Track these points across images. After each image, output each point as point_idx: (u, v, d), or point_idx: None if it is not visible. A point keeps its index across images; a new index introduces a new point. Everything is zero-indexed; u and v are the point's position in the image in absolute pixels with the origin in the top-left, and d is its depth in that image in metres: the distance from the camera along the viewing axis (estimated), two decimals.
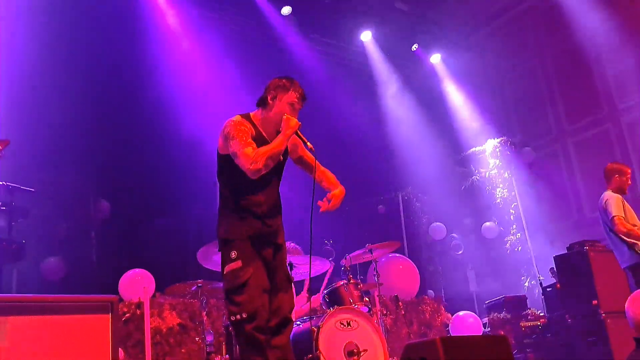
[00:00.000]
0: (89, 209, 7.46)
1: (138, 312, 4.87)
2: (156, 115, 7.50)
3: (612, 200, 5.24)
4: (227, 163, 3.20)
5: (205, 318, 4.77)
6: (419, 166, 10.85)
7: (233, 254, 3.10)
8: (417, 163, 10.83)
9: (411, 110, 11.25)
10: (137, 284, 5.45)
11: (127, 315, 4.85)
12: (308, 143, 3.26)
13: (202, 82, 8.03)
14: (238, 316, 3.00)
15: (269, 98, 3.28)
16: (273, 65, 8.39)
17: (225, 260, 3.13)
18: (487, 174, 11.24)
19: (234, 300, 3.03)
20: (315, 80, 9.38)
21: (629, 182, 5.43)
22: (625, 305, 2.78)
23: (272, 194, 3.31)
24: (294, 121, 3.17)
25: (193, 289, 4.80)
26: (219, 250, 3.24)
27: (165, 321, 4.97)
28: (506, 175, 11.04)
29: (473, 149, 11.65)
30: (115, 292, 5.78)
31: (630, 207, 5.33)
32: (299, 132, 3.22)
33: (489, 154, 11.38)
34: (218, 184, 3.30)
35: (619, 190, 5.35)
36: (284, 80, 3.27)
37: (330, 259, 5.13)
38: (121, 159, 7.28)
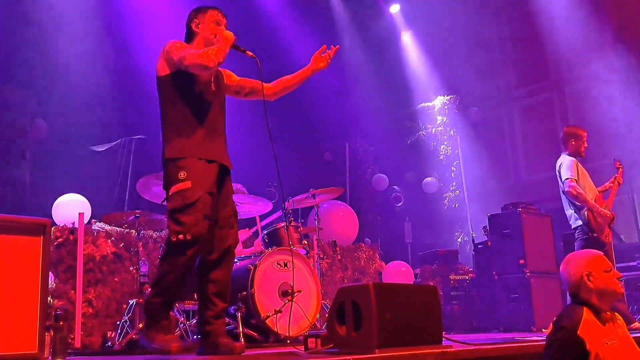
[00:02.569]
0: (25, 127, 7.11)
1: (71, 237, 4.75)
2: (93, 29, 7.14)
3: (567, 163, 5.33)
4: (170, 82, 3.08)
5: (141, 249, 4.71)
6: (368, 117, 10.89)
7: (182, 174, 2.94)
8: (367, 113, 10.86)
9: (366, 59, 11.16)
10: (71, 209, 5.29)
11: (60, 240, 4.73)
12: (248, 52, 3.16)
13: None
14: (181, 236, 2.84)
15: (193, 27, 3.21)
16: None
17: (172, 181, 2.96)
18: (434, 130, 11.41)
19: (179, 220, 2.87)
20: (268, 17, 9.14)
21: (585, 144, 5.47)
22: (561, 266, 2.89)
23: (218, 121, 3.20)
24: (230, 33, 3.07)
25: (130, 218, 4.71)
26: (163, 169, 3.05)
27: (100, 249, 4.88)
28: (451, 133, 11.25)
29: (422, 104, 11.75)
30: (49, 216, 5.61)
31: (585, 171, 5.43)
32: (236, 44, 3.10)
33: (437, 110, 11.52)
34: (161, 112, 3.13)
35: (576, 154, 5.43)
36: (196, 8, 3.24)
37: (273, 201, 5.12)
38: (61, 77, 6.91)
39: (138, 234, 4.78)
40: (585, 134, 5.50)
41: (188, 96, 3.08)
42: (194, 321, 4.23)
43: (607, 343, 2.59)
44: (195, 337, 4.12)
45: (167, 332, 2.96)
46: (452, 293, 7.51)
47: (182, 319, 4.17)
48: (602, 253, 2.89)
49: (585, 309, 2.69)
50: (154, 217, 4.76)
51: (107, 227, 5.08)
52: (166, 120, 3.10)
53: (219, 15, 3.21)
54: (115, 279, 4.95)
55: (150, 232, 5.39)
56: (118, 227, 5.12)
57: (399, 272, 7.73)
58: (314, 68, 3.41)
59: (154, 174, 4.39)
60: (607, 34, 11.91)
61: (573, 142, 5.42)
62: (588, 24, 11.17)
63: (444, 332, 3.00)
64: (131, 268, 4.72)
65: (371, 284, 2.68)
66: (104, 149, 6.86)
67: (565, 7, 11.08)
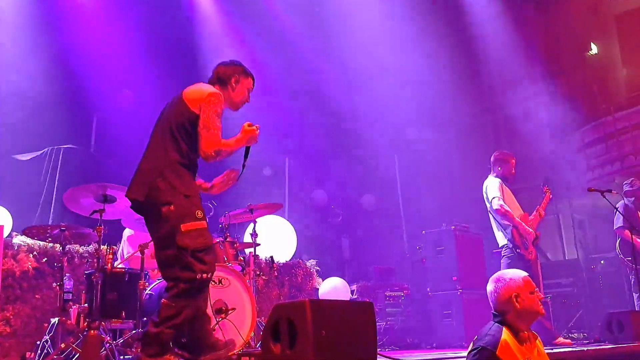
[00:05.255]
0: None
1: None
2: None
3: (492, 183, 5.54)
4: (195, 120, 3.15)
5: (65, 264, 4.46)
6: (308, 132, 10.91)
7: (199, 213, 3.10)
8: (307, 128, 10.87)
9: (305, 71, 11.15)
10: None
11: None
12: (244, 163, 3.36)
13: None
14: (205, 275, 3.04)
15: (232, 81, 3.35)
16: None
17: (187, 216, 3.06)
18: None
19: (202, 259, 3.05)
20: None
21: (513, 171, 5.70)
22: (488, 285, 2.97)
23: None
24: (256, 137, 3.27)
25: (55, 232, 4.46)
26: (165, 202, 3.06)
27: (20, 264, 4.59)
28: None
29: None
30: None
31: (510, 192, 5.63)
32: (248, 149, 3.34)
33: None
34: (169, 133, 3.15)
35: (503, 178, 5.63)
36: (242, 67, 3.42)
37: (209, 214, 4.97)
38: None
39: (63, 249, 4.53)
40: (514, 160, 5.73)
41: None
42: (121, 341, 4.03)
43: None
44: (122, 357, 3.92)
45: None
46: (387, 309, 7.56)
47: (108, 338, 3.97)
48: (527, 273, 3.00)
49: (504, 328, 2.78)
50: (81, 230, 4.52)
51: (29, 241, 4.79)
52: (175, 148, 3.14)
53: (253, 84, 3.44)
54: (37, 296, 4.66)
55: (77, 247, 5.13)
56: (41, 240, 4.84)
57: (336, 289, 7.70)
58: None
59: (83, 186, 4.20)
60: (537, 64, 12.51)
61: (499, 168, 5.65)
62: (521, 53, 11.67)
63: (378, 349, 2.98)
64: (54, 284, 4.45)
65: (307, 301, 2.64)
66: (28, 157, 6.49)
67: (500, 37, 11.53)
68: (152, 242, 4.40)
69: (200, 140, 3.08)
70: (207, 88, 3.22)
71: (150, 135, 3.28)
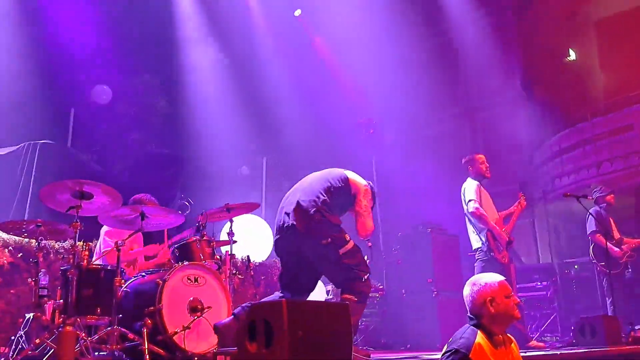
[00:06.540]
0: None
1: None
2: None
3: (470, 186, 5.62)
4: (348, 194, 4.13)
5: (41, 259, 4.42)
6: (286, 132, 10.93)
7: (347, 236, 3.97)
8: (285, 129, 10.89)
9: (284, 71, 11.18)
10: None
11: None
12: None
13: None
14: (367, 275, 3.98)
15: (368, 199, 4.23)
16: None
17: (341, 242, 3.95)
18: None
19: (364, 268, 3.99)
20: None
21: (485, 167, 5.75)
22: (465, 288, 3.00)
23: None
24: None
25: (31, 227, 4.41)
26: (324, 237, 3.92)
27: None
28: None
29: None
30: None
31: (487, 195, 5.71)
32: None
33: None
34: (326, 189, 4.08)
35: (479, 177, 5.71)
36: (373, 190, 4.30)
37: (186, 212, 4.96)
38: None
39: (39, 244, 4.48)
40: (481, 156, 5.82)
41: (345, 207, 4.23)
42: (96, 337, 4.02)
43: None
44: (96, 353, 3.91)
45: None
46: None
47: (83, 334, 3.95)
48: (503, 277, 3.05)
49: (479, 332, 2.80)
50: (56, 226, 4.48)
51: (5, 236, 4.74)
52: (326, 200, 4.04)
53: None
54: (12, 291, 4.62)
55: (52, 243, 5.09)
56: (17, 236, 4.79)
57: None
58: None
59: (59, 182, 4.17)
60: (516, 69, 12.69)
61: (471, 168, 5.74)
62: (500, 58, 11.82)
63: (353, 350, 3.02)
64: (29, 280, 4.42)
65: (284, 301, 2.66)
66: (4, 152, 6.41)
67: (479, 43, 11.65)
68: (129, 239, 4.42)
69: (358, 222, 4.11)
70: (364, 181, 4.23)
71: (306, 179, 4.31)
